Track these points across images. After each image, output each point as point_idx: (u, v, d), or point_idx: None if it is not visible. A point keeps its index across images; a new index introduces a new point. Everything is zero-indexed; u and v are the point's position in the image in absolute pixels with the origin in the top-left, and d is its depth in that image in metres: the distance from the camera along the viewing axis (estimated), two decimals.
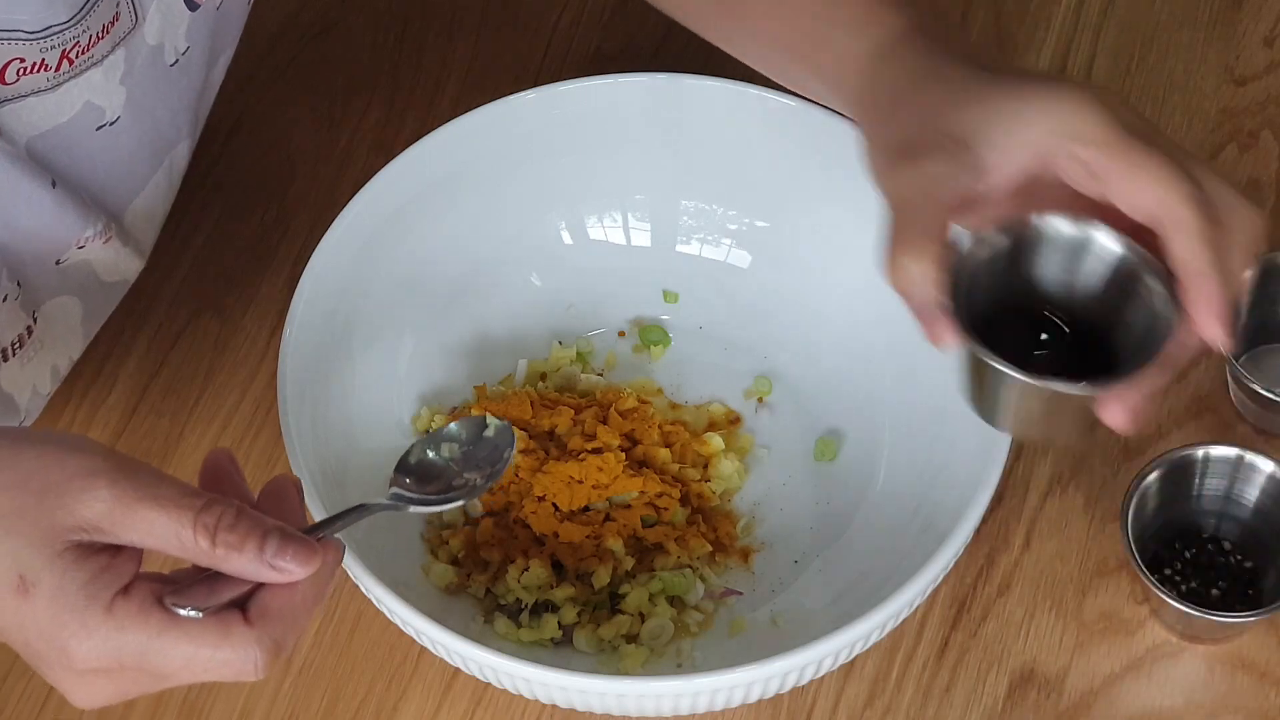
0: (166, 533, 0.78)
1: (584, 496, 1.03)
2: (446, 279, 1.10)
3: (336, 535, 0.84)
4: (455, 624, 0.96)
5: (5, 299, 0.99)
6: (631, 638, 1.01)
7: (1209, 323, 0.85)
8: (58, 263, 1.01)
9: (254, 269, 1.18)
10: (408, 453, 0.93)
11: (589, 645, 1.01)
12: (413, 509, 0.90)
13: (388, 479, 0.92)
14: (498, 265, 1.11)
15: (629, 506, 1.04)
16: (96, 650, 0.79)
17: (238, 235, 1.19)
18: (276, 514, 0.82)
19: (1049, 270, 0.89)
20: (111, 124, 0.99)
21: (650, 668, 1.00)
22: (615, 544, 1.02)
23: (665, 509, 1.04)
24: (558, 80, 1.11)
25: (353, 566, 0.95)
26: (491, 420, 0.94)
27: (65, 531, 0.78)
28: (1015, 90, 0.88)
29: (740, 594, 1.04)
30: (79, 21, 0.92)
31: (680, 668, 1.01)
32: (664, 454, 1.06)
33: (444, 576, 1.02)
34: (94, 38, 0.93)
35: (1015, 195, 0.88)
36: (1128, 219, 0.86)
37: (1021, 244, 0.88)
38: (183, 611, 0.79)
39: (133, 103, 0.99)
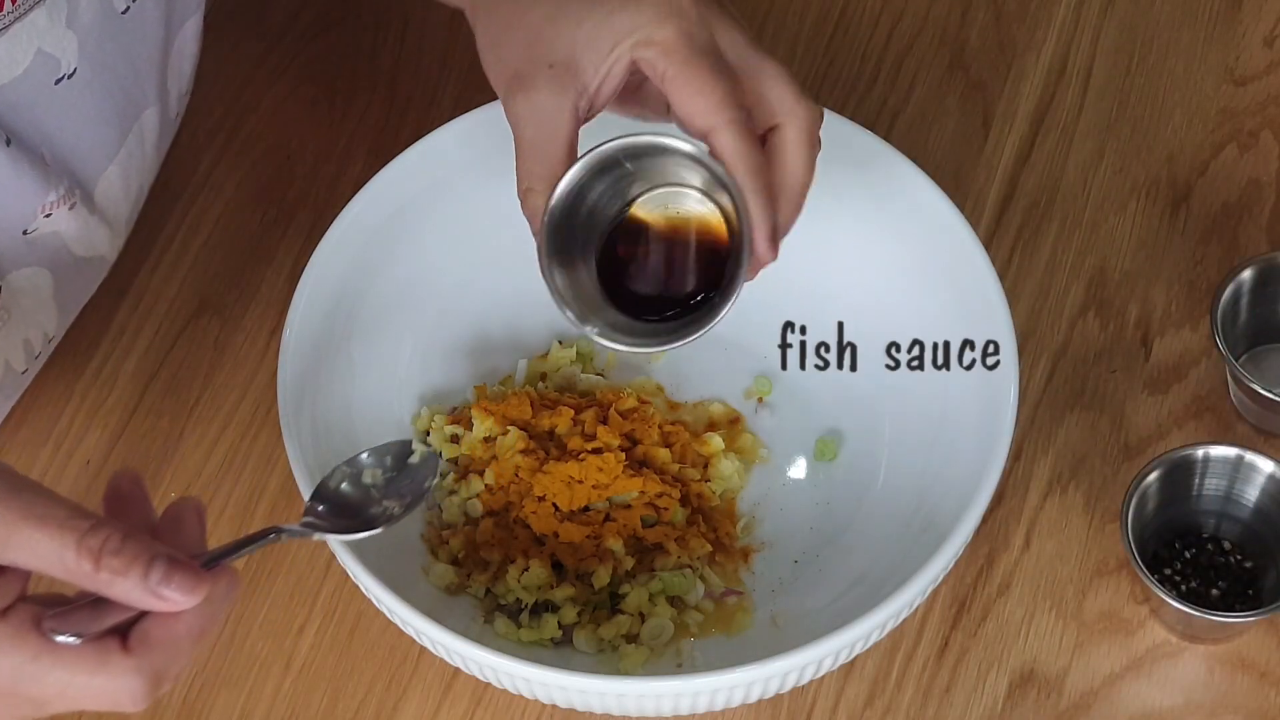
0: (50, 554, 0.77)
1: (584, 496, 1.03)
2: (446, 279, 1.10)
3: (233, 564, 0.82)
4: (455, 624, 0.96)
5: None
6: (631, 638, 1.01)
7: (757, 241, 0.91)
8: (25, 232, 1.01)
9: (254, 269, 1.18)
10: (329, 476, 0.92)
11: (589, 645, 1.01)
12: (317, 536, 0.89)
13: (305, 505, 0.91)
14: (497, 265, 1.11)
15: (629, 506, 1.04)
16: None
17: (238, 235, 1.19)
18: (173, 539, 0.80)
19: (656, 176, 0.94)
20: (70, 76, 0.98)
21: (650, 668, 1.00)
22: (615, 544, 1.02)
23: (665, 509, 1.04)
24: None
25: (352, 566, 0.95)
26: (418, 447, 0.94)
27: None
28: (605, 8, 0.92)
29: (740, 594, 1.04)
30: None
31: (680, 668, 1.01)
32: (664, 454, 1.05)
33: (444, 576, 1.02)
34: None
35: (625, 102, 0.96)
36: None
37: (625, 160, 0.93)
38: (60, 638, 0.77)
39: (87, 53, 0.99)
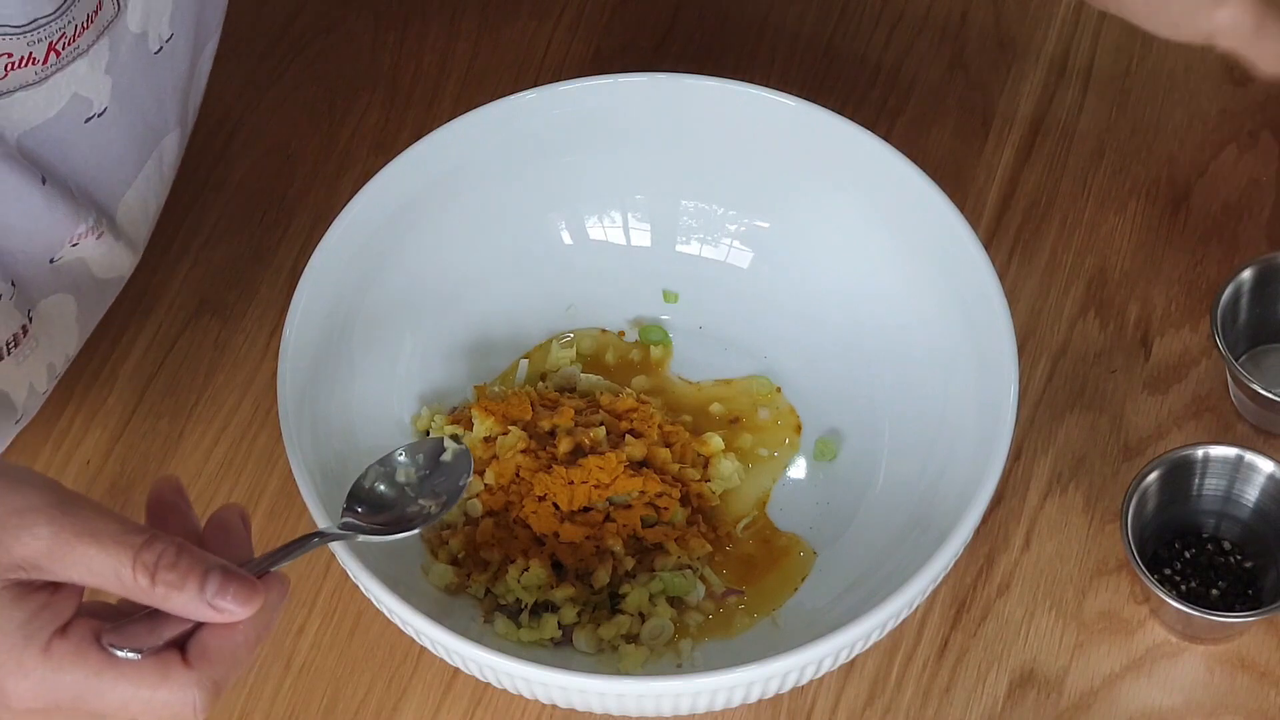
0: (106, 570, 0.77)
1: (584, 496, 1.03)
2: (446, 279, 1.10)
3: (281, 568, 0.82)
4: (455, 624, 0.95)
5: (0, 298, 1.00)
6: (631, 638, 1.01)
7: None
8: (51, 261, 1.01)
9: (254, 269, 1.18)
10: (363, 477, 0.92)
11: (589, 645, 1.01)
12: (361, 538, 0.89)
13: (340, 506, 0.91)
14: (497, 265, 1.11)
15: (629, 506, 1.04)
16: (33, 690, 0.77)
17: (238, 235, 1.19)
18: (222, 548, 0.81)
19: None
20: (100, 115, 0.99)
21: (650, 668, 1.00)
22: (615, 544, 1.02)
23: (665, 509, 1.04)
24: (558, 80, 1.11)
25: (352, 566, 0.95)
26: (449, 444, 0.94)
27: (3, 570, 0.77)
28: None
29: (741, 593, 1.04)
30: (64, 13, 0.92)
31: (680, 668, 1.01)
32: (664, 454, 1.05)
33: (444, 576, 1.02)
34: (79, 28, 0.93)
35: None
36: None
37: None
38: (120, 653, 0.78)
39: (119, 92, 0.99)
